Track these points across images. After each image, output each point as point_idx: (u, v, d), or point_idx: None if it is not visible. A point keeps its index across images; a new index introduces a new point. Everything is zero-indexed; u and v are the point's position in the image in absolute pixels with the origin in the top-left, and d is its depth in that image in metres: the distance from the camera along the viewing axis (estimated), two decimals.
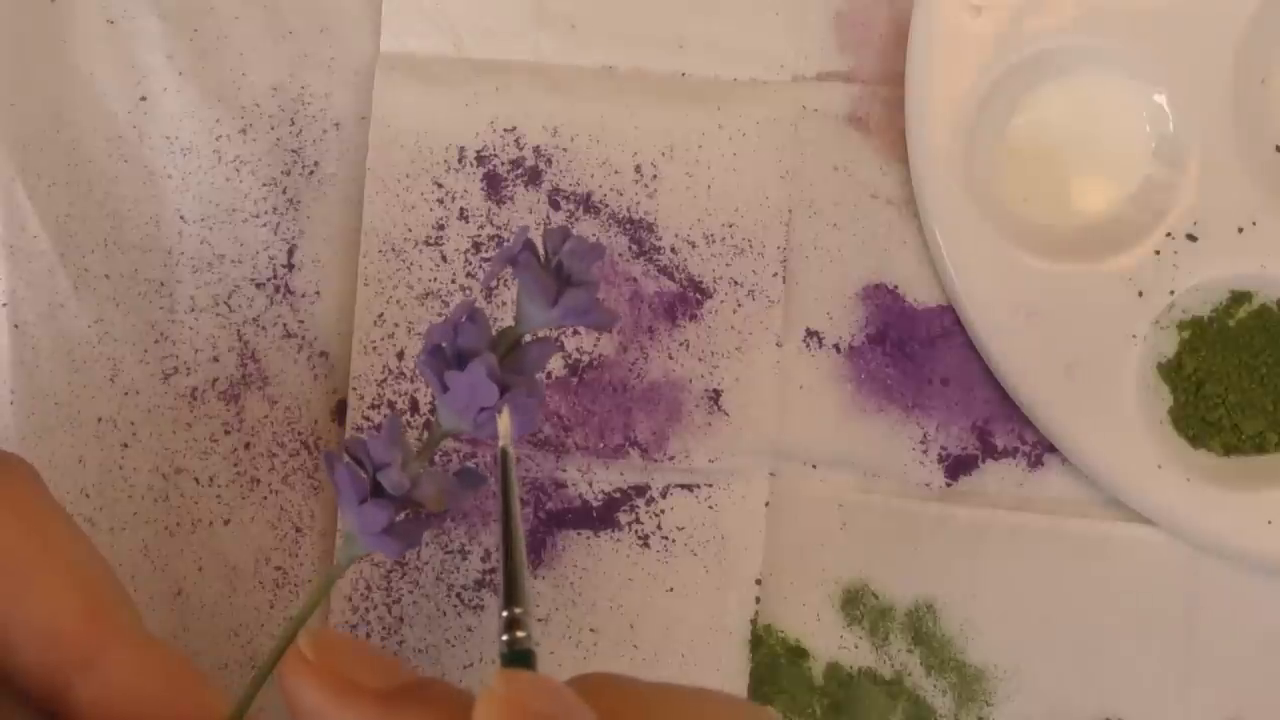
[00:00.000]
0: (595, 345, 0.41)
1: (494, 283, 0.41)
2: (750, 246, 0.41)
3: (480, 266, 0.41)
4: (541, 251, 0.33)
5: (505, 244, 0.41)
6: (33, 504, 0.31)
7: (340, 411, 0.41)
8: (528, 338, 0.33)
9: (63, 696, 0.29)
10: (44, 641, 0.29)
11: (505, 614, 0.28)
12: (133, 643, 0.29)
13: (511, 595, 0.28)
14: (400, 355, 0.41)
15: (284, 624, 0.41)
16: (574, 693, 0.27)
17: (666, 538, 0.41)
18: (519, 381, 0.32)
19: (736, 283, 0.41)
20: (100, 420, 0.41)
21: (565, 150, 0.42)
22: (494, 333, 0.33)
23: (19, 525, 0.30)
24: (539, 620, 0.40)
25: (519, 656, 0.28)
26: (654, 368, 0.41)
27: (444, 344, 0.32)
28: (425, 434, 0.41)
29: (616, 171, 0.42)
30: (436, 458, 0.38)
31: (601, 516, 0.41)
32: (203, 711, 0.30)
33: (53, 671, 0.29)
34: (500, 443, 0.30)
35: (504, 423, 0.31)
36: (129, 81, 0.42)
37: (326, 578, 0.33)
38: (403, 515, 0.32)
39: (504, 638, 0.28)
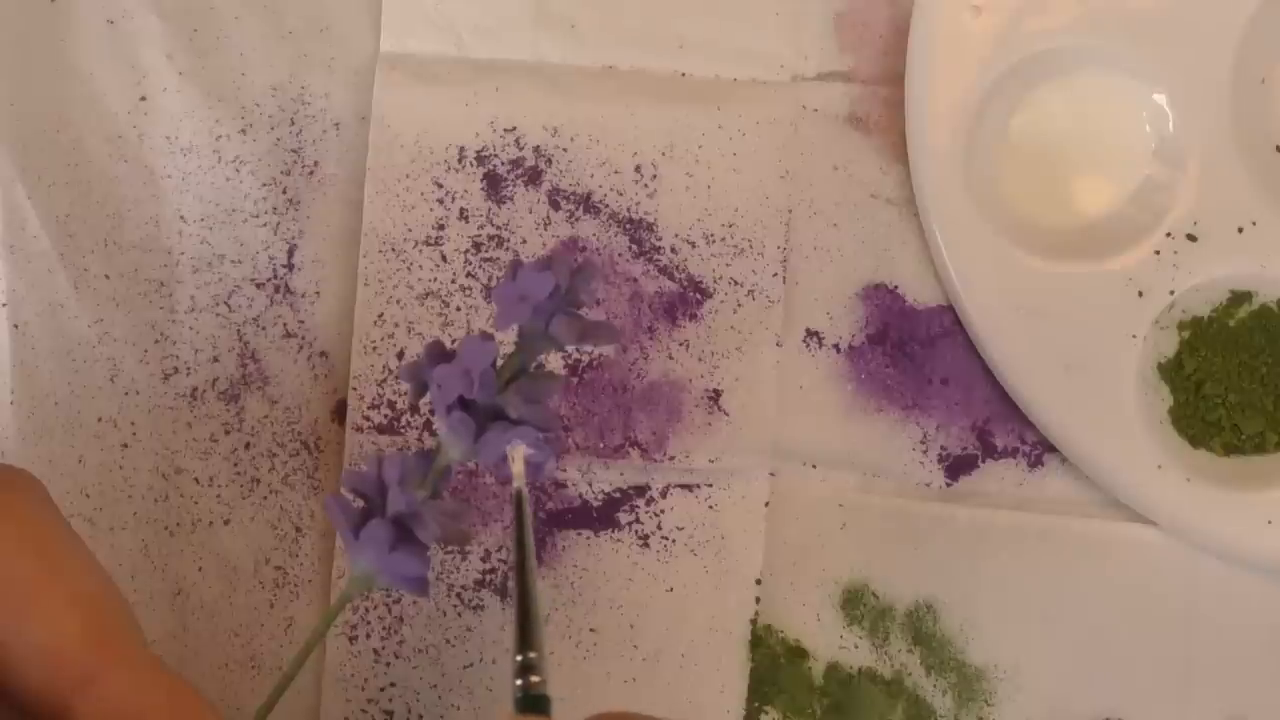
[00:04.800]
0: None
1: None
2: (750, 246, 0.41)
3: (480, 266, 0.41)
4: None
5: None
6: (37, 521, 0.30)
7: (340, 411, 0.41)
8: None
9: (62, 717, 0.29)
10: (44, 661, 0.29)
11: (519, 658, 0.28)
12: (133, 664, 0.29)
13: (526, 639, 0.28)
14: (400, 355, 0.41)
15: (284, 625, 0.41)
16: None
17: (666, 538, 0.41)
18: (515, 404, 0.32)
19: (736, 283, 0.41)
20: (100, 420, 0.41)
21: (565, 150, 0.42)
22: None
23: (22, 543, 0.29)
24: None
25: (533, 702, 0.28)
26: (654, 368, 0.41)
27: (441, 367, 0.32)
28: (425, 434, 0.41)
29: (616, 171, 0.42)
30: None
31: (601, 516, 0.41)
32: None
33: (53, 691, 0.29)
34: (515, 484, 0.30)
35: (518, 463, 0.31)
36: (129, 81, 0.42)
37: (338, 601, 0.33)
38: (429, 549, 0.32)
39: (518, 682, 0.28)
